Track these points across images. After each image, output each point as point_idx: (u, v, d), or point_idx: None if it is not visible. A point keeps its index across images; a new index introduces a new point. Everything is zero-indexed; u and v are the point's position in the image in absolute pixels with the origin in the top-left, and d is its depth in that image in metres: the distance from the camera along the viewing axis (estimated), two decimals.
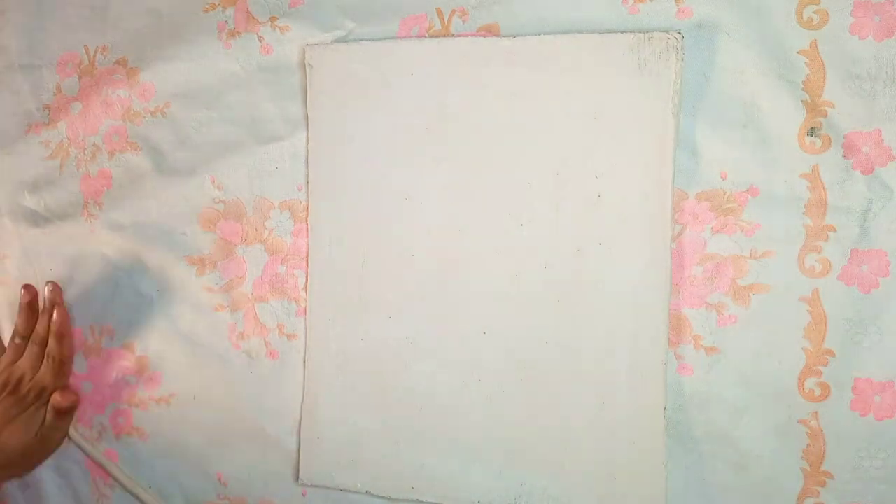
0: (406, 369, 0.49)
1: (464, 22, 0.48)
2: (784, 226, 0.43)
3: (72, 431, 0.58)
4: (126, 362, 0.57)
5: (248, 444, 0.54)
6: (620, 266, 0.45)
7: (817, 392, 0.43)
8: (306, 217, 0.51)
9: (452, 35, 0.48)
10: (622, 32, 0.44)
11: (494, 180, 0.47)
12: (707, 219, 0.44)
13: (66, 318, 0.56)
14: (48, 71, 0.58)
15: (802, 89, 0.42)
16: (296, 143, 0.52)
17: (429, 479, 0.49)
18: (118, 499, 0.59)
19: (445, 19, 0.48)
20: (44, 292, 0.57)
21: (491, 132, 0.47)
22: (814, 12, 0.42)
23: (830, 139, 0.42)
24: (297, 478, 0.52)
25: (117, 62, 0.56)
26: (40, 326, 0.56)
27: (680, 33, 0.43)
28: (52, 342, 0.55)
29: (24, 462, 0.54)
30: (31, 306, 0.56)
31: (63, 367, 0.55)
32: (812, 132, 0.42)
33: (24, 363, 0.55)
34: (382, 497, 0.51)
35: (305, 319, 0.52)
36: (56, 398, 0.54)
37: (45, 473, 0.60)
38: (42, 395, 0.54)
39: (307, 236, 0.51)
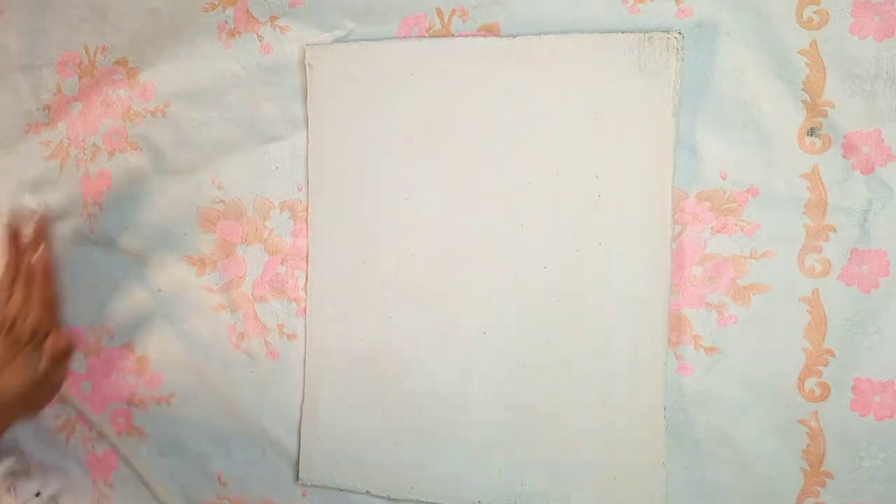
0: (406, 369, 0.49)
1: (464, 22, 0.48)
2: (784, 226, 0.43)
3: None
4: (126, 362, 0.58)
5: (248, 444, 0.54)
6: (620, 266, 0.45)
7: (817, 392, 0.43)
8: (306, 217, 0.51)
9: (452, 35, 0.48)
10: (622, 32, 0.44)
11: (494, 180, 0.47)
12: (707, 219, 0.44)
13: (48, 253, 0.54)
14: (48, 71, 0.58)
15: (802, 89, 0.42)
16: (296, 143, 0.52)
17: (429, 479, 0.49)
18: (118, 499, 0.59)
19: (445, 19, 0.48)
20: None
21: (491, 132, 0.47)
22: (814, 12, 0.42)
23: (830, 139, 0.42)
24: (297, 478, 0.52)
25: (117, 62, 0.56)
26: (25, 265, 0.54)
27: (680, 33, 0.43)
28: (38, 282, 0.53)
29: (25, 405, 0.53)
30: (14, 243, 0.54)
31: (53, 305, 0.53)
32: (812, 132, 0.42)
33: (14, 305, 0.53)
34: (382, 497, 0.51)
35: (305, 319, 0.52)
36: (51, 341, 0.52)
37: (46, 472, 0.60)
38: (35, 336, 0.52)
39: (307, 236, 0.51)
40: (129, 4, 0.56)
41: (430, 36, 0.48)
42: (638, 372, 0.45)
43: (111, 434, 0.58)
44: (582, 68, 0.45)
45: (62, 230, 0.58)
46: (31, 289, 0.53)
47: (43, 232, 0.55)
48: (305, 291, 0.52)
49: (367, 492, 0.51)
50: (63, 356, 0.53)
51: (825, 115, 0.42)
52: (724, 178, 0.44)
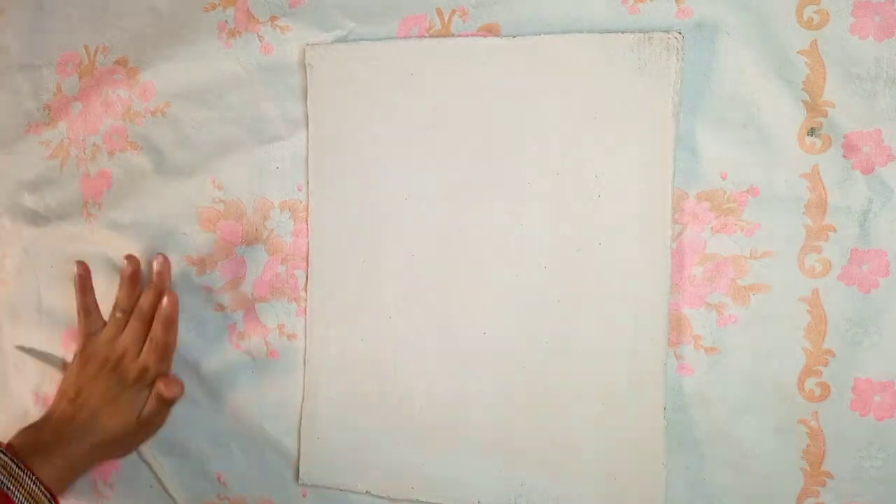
0: (406, 369, 0.49)
1: (464, 22, 0.48)
2: (784, 226, 0.43)
3: None
4: None
5: (248, 444, 0.54)
6: (620, 266, 0.45)
7: (817, 392, 0.43)
8: (306, 217, 0.51)
9: (452, 35, 0.48)
10: (622, 32, 0.44)
11: (494, 180, 0.47)
12: (707, 219, 0.44)
13: (175, 303, 0.52)
14: (48, 71, 0.58)
15: (802, 89, 0.42)
16: (296, 143, 0.52)
17: (429, 480, 0.49)
18: (118, 498, 0.58)
19: (445, 19, 0.48)
20: (153, 265, 0.54)
21: (491, 132, 0.47)
22: (814, 12, 0.42)
23: (830, 139, 0.42)
24: (297, 478, 0.52)
25: (117, 62, 0.56)
26: (144, 302, 0.52)
27: (680, 33, 0.43)
28: (157, 327, 0.52)
29: (122, 444, 0.52)
30: (133, 279, 0.53)
31: (167, 352, 0.52)
32: (812, 132, 0.42)
33: (126, 340, 0.52)
34: (382, 497, 0.51)
35: (305, 319, 0.52)
36: (161, 387, 0.51)
37: None
38: (144, 376, 0.51)
39: (307, 236, 0.51)
40: (129, 4, 0.56)
41: (430, 36, 0.48)
42: (638, 372, 0.45)
43: None
44: (582, 68, 0.45)
45: (62, 230, 0.58)
46: (146, 330, 0.52)
47: (165, 277, 0.54)
48: (305, 291, 0.52)
49: (367, 492, 0.51)
50: (169, 402, 0.53)
51: (825, 115, 0.42)
52: (724, 178, 0.44)
